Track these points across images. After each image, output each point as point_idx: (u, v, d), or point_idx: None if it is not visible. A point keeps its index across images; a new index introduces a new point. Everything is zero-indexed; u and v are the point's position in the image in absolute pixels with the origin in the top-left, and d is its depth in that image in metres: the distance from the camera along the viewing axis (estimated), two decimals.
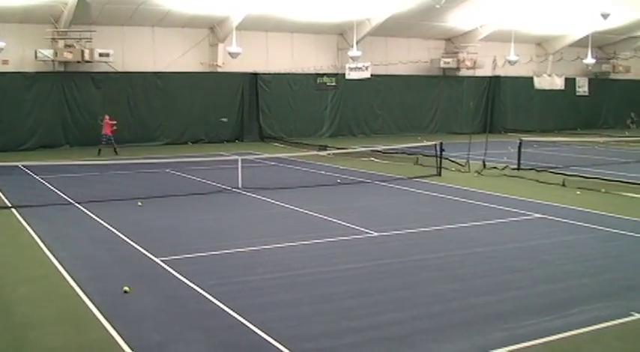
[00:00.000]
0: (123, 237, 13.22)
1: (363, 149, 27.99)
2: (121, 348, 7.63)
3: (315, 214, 15.60)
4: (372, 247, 12.58)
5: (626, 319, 8.49)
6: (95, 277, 10.50)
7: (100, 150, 29.24)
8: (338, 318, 8.57)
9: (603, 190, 18.95)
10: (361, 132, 40.32)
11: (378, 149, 27.71)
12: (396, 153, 26.87)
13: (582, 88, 42.48)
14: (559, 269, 10.92)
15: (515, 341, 7.76)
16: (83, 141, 32.31)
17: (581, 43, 42.86)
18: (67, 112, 32.63)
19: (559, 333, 7.99)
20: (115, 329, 8.17)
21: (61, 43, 31.28)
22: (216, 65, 35.94)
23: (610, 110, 49.04)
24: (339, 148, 28.73)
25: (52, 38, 31.25)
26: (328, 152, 27.93)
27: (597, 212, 15.86)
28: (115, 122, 29.55)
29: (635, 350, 7.69)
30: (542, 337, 7.87)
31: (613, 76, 48.57)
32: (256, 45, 36.74)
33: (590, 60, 42.13)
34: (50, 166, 22.30)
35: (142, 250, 12.10)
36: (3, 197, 18.08)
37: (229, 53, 33.87)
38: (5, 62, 31.07)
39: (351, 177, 22.00)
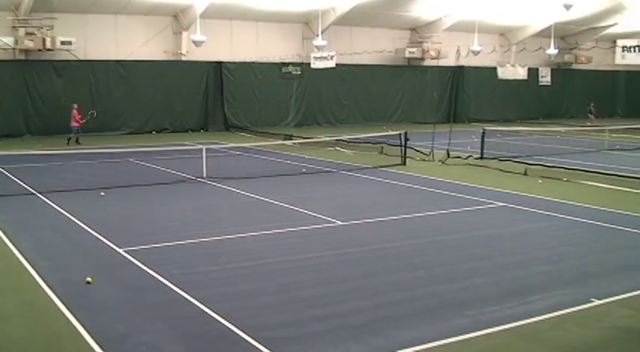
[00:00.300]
0: (85, 227, 13.09)
1: (329, 138, 28.01)
2: (84, 339, 7.57)
3: (280, 203, 15.60)
4: (336, 236, 12.62)
5: (586, 305, 8.65)
6: (57, 268, 10.39)
7: (69, 139, 28.72)
8: (301, 307, 8.61)
9: (565, 179, 19.24)
10: (326, 121, 40.36)
11: (344, 138, 27.76)
12: (361, 142, 26.95)
13: (545, 78, 43.11)
14: (520, 257, 11.07)
15: (477, 327, 7.86)
16: (45, 131, 31.83)
17: (544, 34, 43.37)
18: (29, 101, 32.12)
19: (521, 320, 8.12)
20: (77, 320, 8.10)
21: (21, 31, 30.73)
22: (180, 53, 35.65)
23: (572, 100, 49.74)
24: (304, 138, 28.73)
25: (12, 26, 30.69)
26: (294, 141, 27.93)
27: (558, 200, 16.09)
28: (81, 116, 28.97)
29: (595, 335, 7.84)
30: (504, 323, 7.99)
31: (575, 67, 49.23)
32: (221, 33, 36.52)
33: (552, 50, 42.66)
34: (11, 156, 21.95)
35: (105, 240, 11.99)
36: None
37: (193, 41, 33.68)
38: None
39: (317, 167, 22.02)
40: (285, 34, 39.05)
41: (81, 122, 28.89)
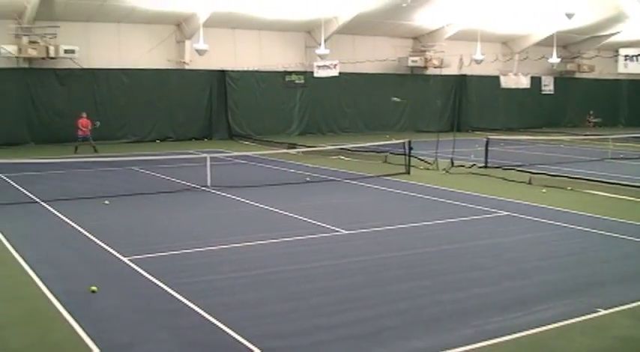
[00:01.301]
0: (90, 235, 13.09)
1: (332, 147, 28.05)
2: (89, 348, 7.55)
3: (284, 212, 15.59)
4: (340, 245, 12.60)
5: (591, 315, 8.61)
6: (61, 276, 10.38)
7: (77, 148, 28.83)
8: (306, 316, 8.59)
9: (569, 188, 19.21)
10: (330, 130, 40.39)
11: (347, 147, 27.77)
12: (365, 151, 26.96)
13: (547, 86, 43.09)
14: (525, 266, 11.04)
15: (483, 337, 7.83)
16: (48, 139, 31.96)
17: (547, 43, 43.41)
18: (32, 109, 32.23)
19: (526, 330, 8.08)
20: (82, 328, 8.08)
21: (25, 39, 30.85)
22: (183, 62, 35.75)
23: (574, 109, 49.70)
24: (307, 146, 28.73)
25: (15, 34, 30.79)
26: (297, 150, 27.94)
27: (562, 209, 16.07)
28: (87, 124, 29.11)
29: (600, 345, 7.81)
30: (509, 334, 7.95)
31: (578, 75, 49.27)
32: (224, 42, 36.62)
33: (555, 59, 42.69)
34: (14, 164, 21.98)
35: (109, 249, 11.98)
36: None
37: (196, 50, 33.76)
38: None
39: (320, 176, 22.02)
40: (288, 43, 39.14)
41: (85, 131, 28.93)
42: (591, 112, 48.55)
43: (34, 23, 30.80)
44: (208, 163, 19.96)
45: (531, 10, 39.21)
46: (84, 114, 29.32)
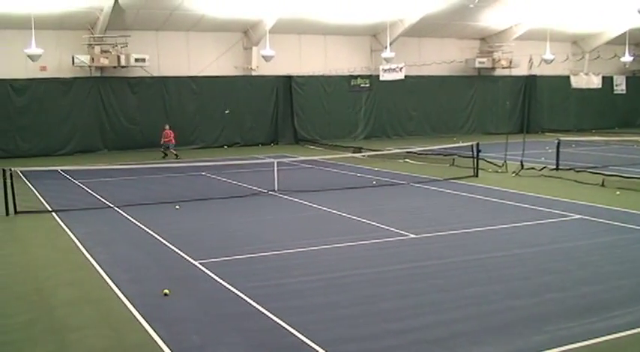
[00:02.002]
0: (161, 239, 13.35)
1: (398, 150, 27.88)
2: (162, 350, 7.69)
3: (351, 216, 15.59)
4: (409, 249, 12.52)
5: None
6: (134, 280, 10.61)
7: (165, 154, 30.57)
8: (376, 321, 8.55)
9: None
10: (395, 133, 40.20)
11: (414, 150, 27.59)
12: (432, 154, 26.74)
13: (620, 86, 41.96)
14: (600, 271, 10.76)
15: (556, 344, 7.66)
16: (120, 146, 32.85)
17: (618, 41, 42.29)
18: (104, 117, 33.10)
19: (601, 336, 7.87)
20: (155, 331, 8.25)
21: (97, 49, 31.72)
22: (250, 68, 36.14)
23: None
24: (373, 150, 28.65)
25: (88, 44, 31.70)
26: (363, 154, 27.89)
27: (637, 212, 15.60)
28: (170, 134, 30.66)
29: None
30: (584, 340, 7.76)
31: None
32: (289, 48, 36.89)
33: (627, 58, 41.54)
34: (88, 170, 22.58)
35: (181, 253, 12.19)
36: (43, 201, 18.38)
37: (263, 56, 34.06)
38: (43, 68, 31.62)
39: (387, 179, 21.94)
40: (354, 47, 39.16)
41: (168, 140, 30.60)
42: None
43: (105, 33, 31.63)
44: (275, 168, 20.12)
45: (602, 8, 38.26)
46: (167, 126, 30.79)
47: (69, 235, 14.03)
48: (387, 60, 35.00)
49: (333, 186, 20.52)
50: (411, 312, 8.85)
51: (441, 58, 38.61)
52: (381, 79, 34.46)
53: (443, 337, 7.96)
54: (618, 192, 18.46)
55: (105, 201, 18.11)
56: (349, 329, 8.30)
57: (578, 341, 7.71)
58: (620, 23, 40.57)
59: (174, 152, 30.22)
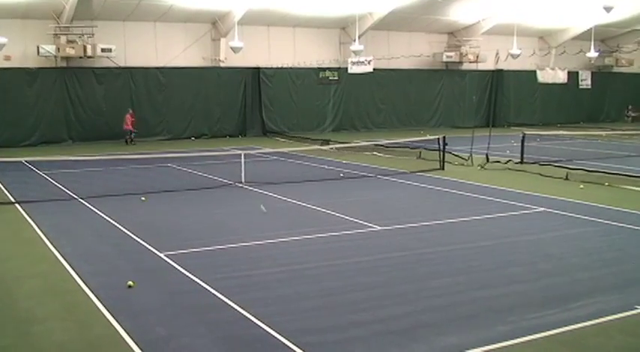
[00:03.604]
0: (126, 231, 13.25)
1: (366, 143, 27.97)
2: (126, 343, 7.65)
3: (319, 208, 15.61)
4: (376, 241, 12.58)
5: (630, 312, 8.49)
6: (99, 272, 10.52)
7: (126, 140, 31.78)
8: (342, 312, 8.59)
9: (606, 184, 18.94)
10: (364, 126, 40.30)
11: (381, 143, 27.69)
12: (399, 147, 26.86)
13: (585, 81, 42.57)
14: (563, 263, 10.92)
15: (519, 334, 7.77)
16: (86, 137, 32.49)
17: (584, 37, 42.80)
18: (70, 108, 32.67)
19: (563, 326, 8.00)
20: (119, 323, 8.20)
21: (63, 39, 31.29)
22: (219, 60, 35.94)
23: (613, 103, 49.00)
24: (341, 142, 28.69)
25: (54, 34, 31.26)
26: (331, 146, 27.93)
27: (600, 205, 15.85)
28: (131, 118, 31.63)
29: (639, 342, 7.70)
30: (546, 330, 7.88)
31: (616, 70, 48.46)
32: (258, 39, 36.74)
33: (593, 53, 42.06)
34: (53, 162, 22.31)
35: (146, 245, 12.12)
36: (6, 192, 18.13)
37: (231, 48, 33.92)
38: (8, 58, 31.07)
39: (354, 171, 22.00)
40: (323, 40, 39.13)
41: (131, 126, 31.30)
42: (630, 107, 47.82)
43: (72, 23, 31.22)
44: (243, 160, 20.08)
45: (569, 4, 38.67)
46: (130, 110, 31.65)
47: (33, 227, 13.86)
48: (356, 53, 35.03)
49: (301, 178, 20.53)
50: (376, 303, 8.90)
51: (410, 52, 38.78)
52: (350, 71, 34.51)
53: (407, 328, 8.02)
54: (582, 186, 18.72)
55: (70, 193, 17.92)
56: (314, 320, 8.33)
57: (541, 332, 7.83)
58: (586, 19, 41.04)
59: (132, 139, 31.18)
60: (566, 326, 8.02)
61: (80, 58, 31.69)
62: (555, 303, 8.79)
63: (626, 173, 19.90)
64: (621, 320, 8.26)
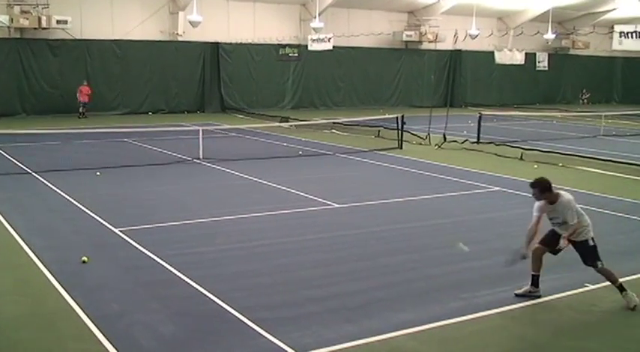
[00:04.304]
0: (81, 206, 13.08)
1: (325, 121, 27.97)
2: (80, 318, 7.59)
3: (276, 185, 15.60)
4: (332, 218, 12.64)
5: (580, 290, 8.71)
6: (53, 247, 10.40)
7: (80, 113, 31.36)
8: (296, 288, 8.63)
9: (560, 164, 19.26)
10: (323, 104, 40.26)
11: (340, 121, 27.71)
12: (358, 125, 26.92)
13: (542, 63, 43.01)
14: (516, 241, 11.04)
15: (472, 310, 7.92)
16: (40, 110, 31.82)
17: (542, 18, 43.20)
18: (24, 80, 31.96)
19: (514, 303, 8.18)
20: (72, 298, 8.12)
21: (17, 9, 30.50)
22: (177, 34, 35.44)
23: (569, 85, 49.74)
24: (300, 120, 28.65)
25: (7, 4, 30.45)
26: (290, 124, 27.88)
27: (554, 185, 16.06)
28: (88, 91, 31.48)
29: (587, 319, 7.89)
30: (498, 307, 8.05)
31: (572, 52, 49.12)
32: (217, 14, 36.31)
33: (550, 35, 42.48)
34: (6, 135, 21.86)
35: (101, 220, 11.99)
36: None
37: (190, 22, 33.42)
38: None
39: (313, 149, 22.01)
40: (283, 16, 38.82)
41: (87, 99, 31.44)
42: (584, 90, 48.67)
43: None
44: (200, 136, 19.94)
45: None
46: (85, 82, 31.34)
47: None
48: (316, 30, 34.90)
49: (259, 155, 20.47)
50: (330, 280, 8.96)
51: (370, 30, 38.74)
52: (310, 48, 34.39)
53: (360, 304, 8.10)
54: (536, 166, 19.01)
55: (23, 167, 17.61)
56: (270, 296, 8.36)
57: (492, 308, 8.00)
58: (544, 1, 41.41)
59: (84, 112, 31.29)
60: (517, 302, 8.19)
61: (35, 29, 30.96)
62: (507, 281, 8.93)
63: (580, 154, 20.25)
64: (571, 297, 8.47)
